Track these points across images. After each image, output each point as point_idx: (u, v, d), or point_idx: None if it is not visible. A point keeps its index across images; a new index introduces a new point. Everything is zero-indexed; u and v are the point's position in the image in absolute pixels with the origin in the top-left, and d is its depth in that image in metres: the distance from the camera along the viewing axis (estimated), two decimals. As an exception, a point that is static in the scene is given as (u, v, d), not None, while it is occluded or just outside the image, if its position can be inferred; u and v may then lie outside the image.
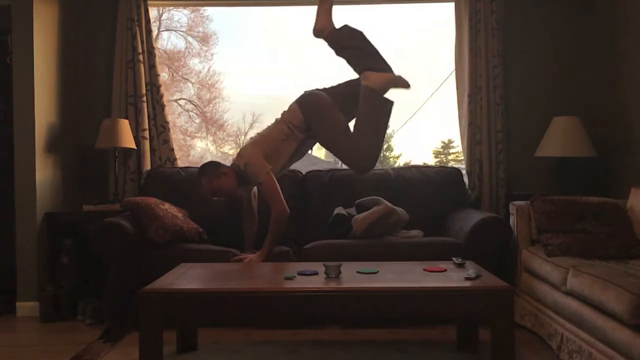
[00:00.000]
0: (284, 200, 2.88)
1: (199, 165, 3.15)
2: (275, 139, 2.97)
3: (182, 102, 9.02)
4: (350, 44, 2.88)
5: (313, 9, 2.99)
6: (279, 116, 3.07)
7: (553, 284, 2.61)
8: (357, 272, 2.38)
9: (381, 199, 3.28)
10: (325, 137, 2.98)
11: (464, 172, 3.83)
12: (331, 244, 3.08)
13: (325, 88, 3.05)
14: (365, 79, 2.82)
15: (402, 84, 2.83)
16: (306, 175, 3.71)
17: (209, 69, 9.03)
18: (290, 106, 3.03)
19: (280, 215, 2.85)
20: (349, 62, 2.94)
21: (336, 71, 3.40)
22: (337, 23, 2.95)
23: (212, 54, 9.09)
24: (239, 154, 3.00)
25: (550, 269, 2.65)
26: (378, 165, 3.62)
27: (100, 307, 3.15)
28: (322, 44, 2.98)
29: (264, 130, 3.09)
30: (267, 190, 2.88)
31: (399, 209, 3.29)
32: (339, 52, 2.94)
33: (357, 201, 3.36)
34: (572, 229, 2.82)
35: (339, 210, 3.39)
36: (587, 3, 3.82)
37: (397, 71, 2.88)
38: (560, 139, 3.44)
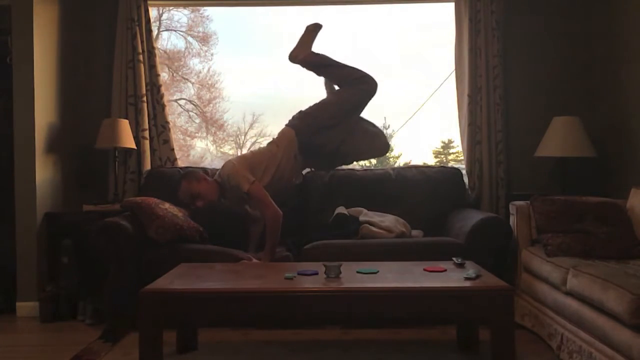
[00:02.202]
0: (274, 204, 2.89)
1: (199, 166, 3.18)
2: (264, 157, 3.03)
3: (182, 102, 9.00)
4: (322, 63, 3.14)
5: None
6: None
7: (553, 284, 2.61)
8: (357, 272, 2.38)
9: (398, 226, 3.24)
10: (340, 117, 3.08)
11: (464, 172, 3.82)
12: (331, 244, 3.08)
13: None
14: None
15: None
16: (306, 175, 3.71)
17: (209, 69, 9.01)
18: (282, 130, 3.12)
19: (274, 218, 2.86)
20: (329, 78, 3.21)
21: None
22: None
23: (212, 54, 9.07)
24: (223, 167, 3.06)
25: (550, 269, 2.65)
26: (378, 166, 3.62)
27: (100, 307, 3.15)
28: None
29: (255, 150, 3.21)
30: (255, 198, 2.91)
31: (411, 232, 3.29)
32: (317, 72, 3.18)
33: (378, 212, 3.38)
34: (572, 229, 2.81)
35: (341, 209, 3.39)
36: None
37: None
38: (560, 139, 3.44)
